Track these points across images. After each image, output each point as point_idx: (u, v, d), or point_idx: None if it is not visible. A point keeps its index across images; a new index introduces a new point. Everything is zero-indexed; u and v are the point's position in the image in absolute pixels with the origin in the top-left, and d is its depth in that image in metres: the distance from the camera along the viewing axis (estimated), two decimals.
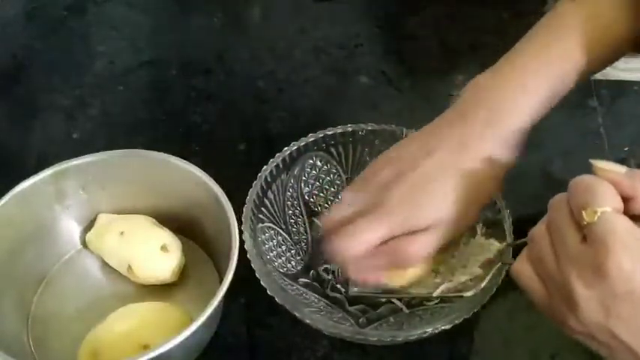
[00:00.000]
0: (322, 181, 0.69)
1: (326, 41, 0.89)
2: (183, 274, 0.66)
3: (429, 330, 0.56)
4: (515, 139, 0.56)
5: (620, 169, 0.46)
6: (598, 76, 0.82)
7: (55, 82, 0.85)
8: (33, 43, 0.90)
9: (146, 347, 0.57)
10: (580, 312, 0.44)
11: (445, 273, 0.60)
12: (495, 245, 0.58)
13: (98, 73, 0.86)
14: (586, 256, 0.44)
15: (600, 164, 0.46)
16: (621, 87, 0.82)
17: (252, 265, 0.59)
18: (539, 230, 0.48)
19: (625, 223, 0.44)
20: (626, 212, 0.45)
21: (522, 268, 0.48)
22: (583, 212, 0.44)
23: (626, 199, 0.45)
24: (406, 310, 0.61)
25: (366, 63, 0.86)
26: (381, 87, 0.84)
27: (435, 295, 0.59)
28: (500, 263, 0.57)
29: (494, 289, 0.57)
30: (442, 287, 0.59)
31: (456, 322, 0.56)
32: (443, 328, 0.56)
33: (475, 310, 0.56)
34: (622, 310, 0.43)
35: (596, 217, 0.44)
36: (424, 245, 0.55)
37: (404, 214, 0.54)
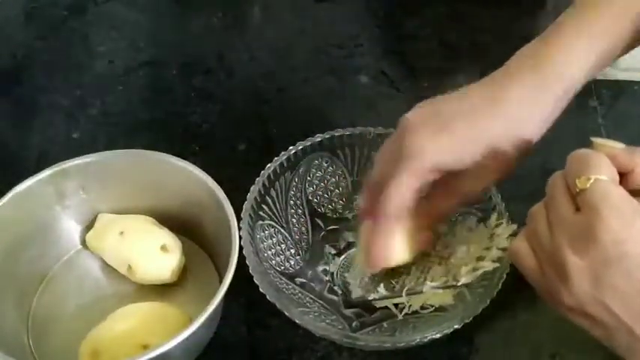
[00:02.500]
0: (327, 182, 0.69)
1: (326, 41, 0.89)
2: (183, 274, 0.66)
3: (417, 338, 0.56)
4: (565, 95, 0.53)
5: (619, 145, 0.47)
6: (598, 76, 0.82)
7: (55, 82, 0.85)
8: (33, 43, 0.90)
9: (146, 347, 0.57)
10: (571, 283, 0.44)
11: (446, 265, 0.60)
12: (497, 233, 0.58)
13: (98, 73, 0.86)
14: (578, 223, 0.44)
15: (599, 140, 0.48)
16: (621, 87, 0.82)
17: (247, 261, 0.59)
18: (536, 207, 0.48)
19: (618, 190, 0.44)
20: (624, 186, 0.45)
21: (519, 245, 0.49)
22: (577, 180, 0.45)
23: (622, 174, 0.46)
24: (400, 317, 0.61)
25: (366, 63, 0.87)
26: (381, 87, 0.84)
27: (425, 290, 0.59)
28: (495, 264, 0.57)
29: (488, 301, 0.57)
30: (435, 282, 0.59)
31: (446, 332, 0.55)
32: (432, 337, 0.55)
33: (466, 321, 0.56)
34: (613, 278, 0.43)
35: (589, 184, 0.44)
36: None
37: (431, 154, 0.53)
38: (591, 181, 0.44)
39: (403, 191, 0.54)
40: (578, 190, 0.45)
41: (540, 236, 0.47)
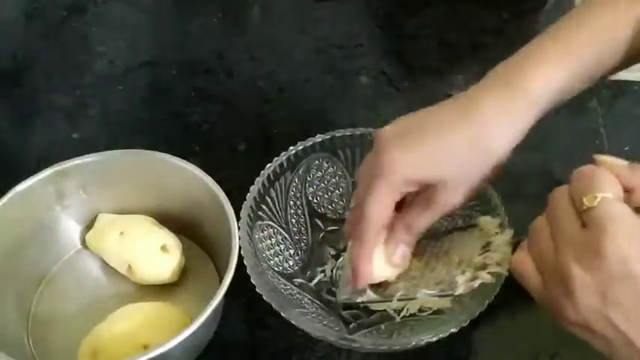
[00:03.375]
0: (327, 182, 0.69)
1: (326, 41, 0.89)
2: (183, 274, 0.66)
3: (414, 341, 0.56)
4: (535, 110, 0.54)
5: (622, 162, 0.47)
6: None
7: (55, 82, 0.85)
8: (33, 43, 0.90)
9: (146, 347, 0.57)
10: (576, 298, 0.44)
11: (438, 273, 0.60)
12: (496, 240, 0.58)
13: (98, 73, 0.86)
14: (584, 240, 0.44)
15: (603, 158, 0.48)
16: (621, 87, 0.82)
17: (245, 260, 0.59)
18: (539, 221, 0.48)
19: (624, 208, 0.45)
20: (627, 204, 0.45)
21: (521, 259, 0.49)
22: (584, 198, 0.45)
23: (626, 192, 0.46)
24: (398, 319, 0.61)
25: (366, 63, 0.87)
26: (381, 87, 0.84)
27: (419, 296, 0.58)
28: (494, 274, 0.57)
29: (486, 305, 0.56)
30: (431, 289, 0.59)
31: (442, 335, 0.55)
32: (428, 340, 0.55)
33: (465, 324, 0.56)
34: (619, 295, 0.43)
35: (596, 202, 0.45)
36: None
37: (404, 166, 0.54)
38: (598, 199, 0.45)
39: (379, 207, 0.55)
40: (585, 207, 0.45)
41: (544, 250, 0.47)
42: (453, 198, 0.55)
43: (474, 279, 0.56)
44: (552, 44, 0.54)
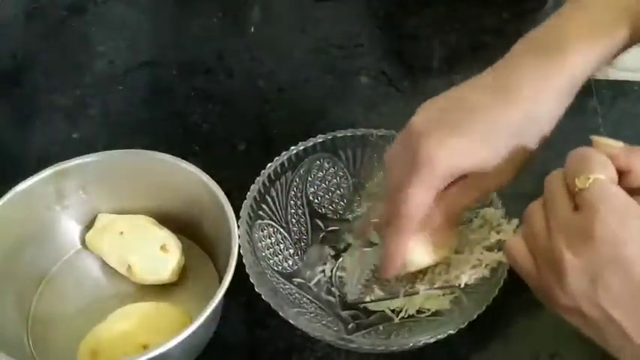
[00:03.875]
0: (328, 182, 0.69)
1: (326, 41, 0.89)
2: (183, 274, 0.66)
3: (411, 343, 0.56)
4: (574, 85, 0.51)
5: (619, 144, 0.47)
6: (598, 75, 0.82)
7: (55, 82, 0.85)
8: (33, 43, 0.90)
9: (146, 347, 0.57)
10: (567, 281, 0.44)
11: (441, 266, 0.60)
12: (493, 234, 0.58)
13: (98, 73, 0.86)
14: (576, 222, 0.44)
15: (598, 138, 0.47)
16: (621, 87, 0.82)
17: (244, 259, 0.59)
18: (533, 205, 0.48)
19: (617, 190, 0.44)
20: (622, 185, 0.45)
21: (515, 244, 0.48)
22: (576, 179, 0.45)
23: (621, 173, 0.46)
24: (396, 320, 0.61)
25: (366, 63, 0.87)
26: (381, 87, 0.84)
27: (422, 291, 0.58)
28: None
29: (484, 307, 0.56)
30: (436, 282, 0.59)
31: (440, 337, 0.55)
32: (426, 342, 0.55)
33: (462, 326, 0.56)
34: (609, 279, 0.42)
35: (588, 184, 0.44)
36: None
37: (445, 161, 0.51)
38: (590, 180, 0.44)
39: (416, 204, 0.52)
40: (577, 189, 0.45)
41: (537, 234, 0.46)
42: (496, 181, 0.53)
43: (475, 267, 0.56)
44: (580, 15, 0.51)
